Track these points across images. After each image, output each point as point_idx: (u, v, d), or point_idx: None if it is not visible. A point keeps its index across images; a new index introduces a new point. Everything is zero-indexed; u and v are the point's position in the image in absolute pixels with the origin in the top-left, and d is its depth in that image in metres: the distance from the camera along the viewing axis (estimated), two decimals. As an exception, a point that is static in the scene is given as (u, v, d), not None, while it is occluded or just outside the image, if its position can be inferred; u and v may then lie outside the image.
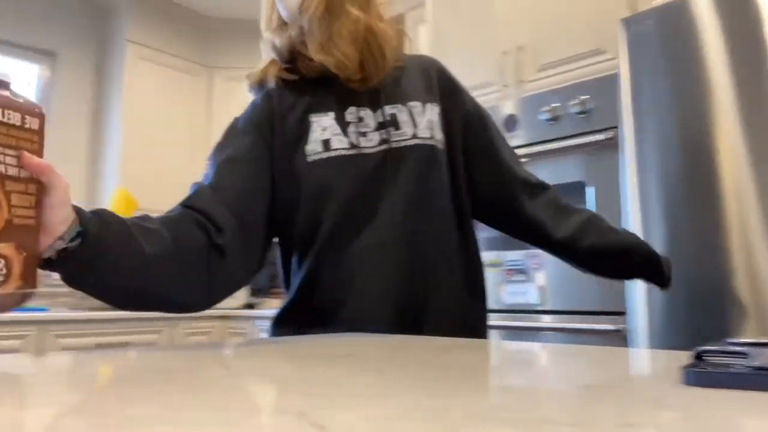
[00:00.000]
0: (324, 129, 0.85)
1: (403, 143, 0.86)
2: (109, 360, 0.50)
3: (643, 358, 0.59)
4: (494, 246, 1.83)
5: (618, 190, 1.50)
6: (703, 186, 1.28)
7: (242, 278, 0.81)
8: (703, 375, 0.34)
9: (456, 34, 2.31)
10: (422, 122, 0.87)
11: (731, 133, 1.25)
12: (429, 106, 0.90)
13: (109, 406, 0.29)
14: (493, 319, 1.89)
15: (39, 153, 0.53)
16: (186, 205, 0.76)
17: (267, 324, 0.93)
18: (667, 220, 1.33)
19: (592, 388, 0.37)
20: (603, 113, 1.68)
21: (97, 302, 0.68)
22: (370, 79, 0.87)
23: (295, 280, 0.86)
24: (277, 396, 0.33)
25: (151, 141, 3.23)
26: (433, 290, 0.83)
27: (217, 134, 0.89)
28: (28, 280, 0.51)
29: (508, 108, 1.95)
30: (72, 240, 0.58)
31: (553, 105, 1.80)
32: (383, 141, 0.85)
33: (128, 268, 0.64)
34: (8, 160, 0.50)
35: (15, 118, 0.51)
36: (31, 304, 0.61)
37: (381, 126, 0.86)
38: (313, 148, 0.84)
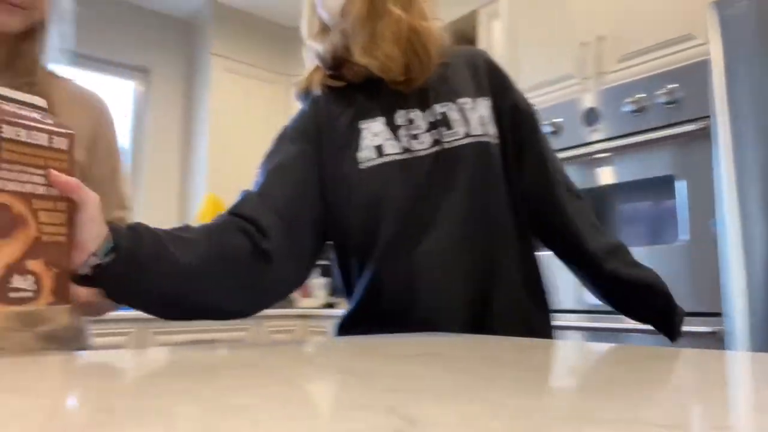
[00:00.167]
0: (375, 135, 0.84)
1: (456, 143, 0.84)
2: (205, 354, 0.53)
3: (742, 361, 0.56)
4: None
5: (712, 184, 1.41)
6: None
7: (291, 283, 0.81)
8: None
9: (532, 28, 2.26)
10: (474, 119, 0.86)
11: (843, 119, 1.15)
12: (480, 100, 0.88)
13: (214, 395, 0.31)
14: (575, 320, 1.84)
15: (68, 171, 0.54)
16: (232, 212, 0.76)
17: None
18: (769, 215, 1.24)
19: (687, 390, 0.36)
20: (693, 102, 1.59)
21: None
22: (415, 80, 0.86)
23: (359, 286, 0.85)
24: (364, 391, 0.34)
25: (236, 148, 3.40)
26: (496, 289, 0.82)
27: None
28: (60, 295, 0.53)
29: (588, 101, 1.88)
30: (106, 255, 0.58)
31: (638, 96, 1.72)
32: (435, 142, 0.84)
33: (163, 279, 0.64)
34: (36, 179, 0.51)
35: (41, 138, 0.52)
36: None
37: (432, 126, 0.85)
38: (366, 155, 0.83)
